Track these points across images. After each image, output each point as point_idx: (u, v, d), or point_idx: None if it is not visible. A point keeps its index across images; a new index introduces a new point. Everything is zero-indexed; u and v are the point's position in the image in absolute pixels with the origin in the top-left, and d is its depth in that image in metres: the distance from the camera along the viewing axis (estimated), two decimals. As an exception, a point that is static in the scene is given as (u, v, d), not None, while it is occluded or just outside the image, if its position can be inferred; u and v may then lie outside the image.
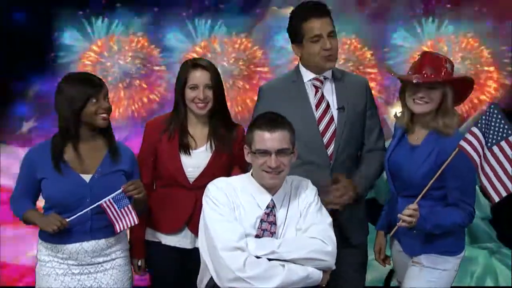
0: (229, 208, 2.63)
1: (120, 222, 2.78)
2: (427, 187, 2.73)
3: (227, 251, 2.54)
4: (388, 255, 3.15)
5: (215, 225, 2.61)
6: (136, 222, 2.81)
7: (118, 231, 2.80)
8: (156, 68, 4.81)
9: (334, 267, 2.65)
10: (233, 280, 2.52)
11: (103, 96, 2.85)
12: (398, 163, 2.92)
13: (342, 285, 3.04)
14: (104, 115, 2.85)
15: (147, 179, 3.09)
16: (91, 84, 2.85)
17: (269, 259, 2.55)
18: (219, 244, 2.56)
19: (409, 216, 2.71)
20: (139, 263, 3.14)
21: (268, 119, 2.68)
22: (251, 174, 2.72)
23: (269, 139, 2.60)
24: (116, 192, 2.76)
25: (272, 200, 2.67)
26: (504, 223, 4.76)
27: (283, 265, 2.54)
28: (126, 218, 2.79)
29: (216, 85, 3.07)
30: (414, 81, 2.81)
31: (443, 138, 2.83)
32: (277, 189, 2.69)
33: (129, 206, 2.79)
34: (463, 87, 2.89)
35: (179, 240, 3.08)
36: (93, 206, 2.76)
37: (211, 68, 3.08)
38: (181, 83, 3.06)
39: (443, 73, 2.82)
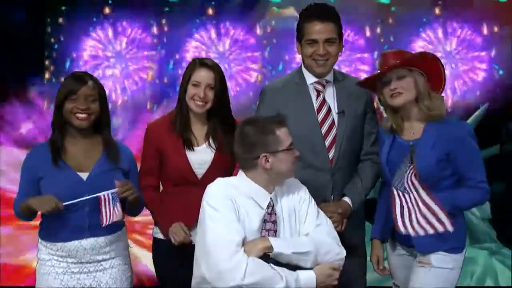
0: (230, 211, 2.61)
1: (108, 218, 2.80)
2: None
3: (227, 260, 2.52)
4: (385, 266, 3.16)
5: (215, 229, 2.58)
6: (118, 218, 2.83)
7: (104, 225, 2.80)
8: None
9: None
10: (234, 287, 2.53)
11: (83, 95, 2.85)
12: (399, 163, 2.92)
13: (343, 285, 3.04)
14: (80, 115, 2.85)
15: (155, 182, 3.14)
16: (74, 81, 2.88)
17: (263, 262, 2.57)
18: (219, 253, 2.54)
19: None
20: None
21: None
22: (242, 175, 2.72)
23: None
24: (113, 190, 2.80)
25: (271, 198, 2.69)
26: (504, 223, 4.77)
27: (281, 275, 2.55)
28: (113, 214, 2.80)
29: (219, 86, 3.09)
30: (378, 71, 2.92)
31: (443, 127, 2.88)
32: (274, 185, 2.70)
33: (118, 205, 2.81)
34: (432, 69, 2.94)
35: (192, 237, 3.05)
36: (92, 196, 2.77)
37: (216, 69, 3.11)
38: (186, 80, 3.10)
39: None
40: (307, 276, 2.61)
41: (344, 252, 2.72)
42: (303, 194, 2.78)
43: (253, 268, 2.52)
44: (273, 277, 2.54)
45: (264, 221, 2.66)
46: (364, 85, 3.09)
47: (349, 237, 3.07)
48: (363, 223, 3.27)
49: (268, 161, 2.63)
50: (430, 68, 2.92)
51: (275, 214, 2.68)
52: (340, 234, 2.97)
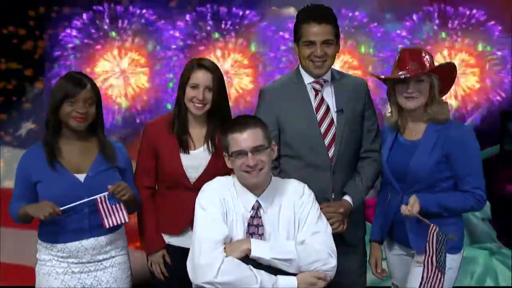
0: (219, 211, 2.65)
1: (109, 218, 2.81)
2: None
3: (203, 257, 2.56)
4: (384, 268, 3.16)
5: (200, 226, 2.65)
6: (126, 221, 2.85)
7: (107, 226, 2.81)
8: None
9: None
10: (206, 283, 2.56)
11: (82, 99, 2.83)
12: (401, 162, 2.93)
13: (343, 285, 3.03)
14: (78, 118, 2.83)
15: (150, 183, 3.13)
16: (72, 84, 2.84)
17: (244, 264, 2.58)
18: (197, 249, 2.59)
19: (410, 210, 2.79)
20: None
21: (238, 121, 2.74)
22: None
23: (242, 139, 2.63)
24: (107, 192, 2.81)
25: (257, 201, 2.68)
26: (504, 223, 4.77)
27: (257, 277, 2.56)
28: (116, 214, 2.81)
29: (218, 87, 3.07)
30: (402, 77, 2.88)
31: (445, 128, 2.88)
32: (263, 189, 2.69)
33: (121, 204, 2.82)
34: (447, 74, 2.94)
35: (183, 241, 3.08)
36: (88, 199, 2.78)
37: (214, 70, 3.08)
38: (184, 81, 3.08)
39: (427, 65, 2.89)
40: (287, 282, 2.59)
41: (333, 262, 2.67)
42: (306, 199, 2.75)
43: (228, 267, 2.54)
44: (248, 278, 2.54)
45: (248, 224, 2.66)
46: (380, 78, 3.08)
47: (350, 236, 3.07)
48: (363, 222, 3.27)
49: (229, 161, 2.69)
50: (444, 74, 2.93)
51: (260, 218, 2.67)
52: (341, 233, 2.98)
